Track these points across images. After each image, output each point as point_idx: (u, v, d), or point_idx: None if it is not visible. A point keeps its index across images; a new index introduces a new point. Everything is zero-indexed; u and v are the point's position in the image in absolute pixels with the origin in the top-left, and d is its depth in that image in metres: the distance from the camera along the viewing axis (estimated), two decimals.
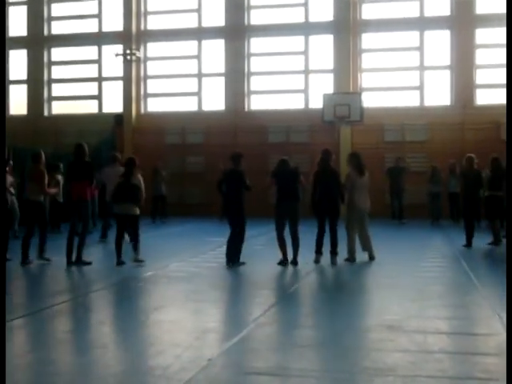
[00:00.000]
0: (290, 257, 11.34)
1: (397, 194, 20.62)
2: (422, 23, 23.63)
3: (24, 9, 26.54)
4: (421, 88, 23.71)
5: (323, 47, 24.28)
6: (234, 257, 11.29)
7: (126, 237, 12.03)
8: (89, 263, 11.32)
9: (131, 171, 11.51)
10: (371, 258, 11.83)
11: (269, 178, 11.72)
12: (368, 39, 24.13)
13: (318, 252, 11.54)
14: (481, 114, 22.17)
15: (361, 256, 11.81)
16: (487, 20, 22.68)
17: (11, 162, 12.26)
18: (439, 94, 23.60)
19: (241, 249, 11.38)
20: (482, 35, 23.08)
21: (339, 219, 11.66)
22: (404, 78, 23.93)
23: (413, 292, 8.98)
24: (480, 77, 23.19)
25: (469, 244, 13.64)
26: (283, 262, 11.28)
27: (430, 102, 23.59)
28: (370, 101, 23.44)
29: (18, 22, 26.59)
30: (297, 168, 11.82)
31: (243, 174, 11.43)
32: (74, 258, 11.30)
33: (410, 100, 23.77)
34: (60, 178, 15.79)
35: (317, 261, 11.46)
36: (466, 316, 7.43)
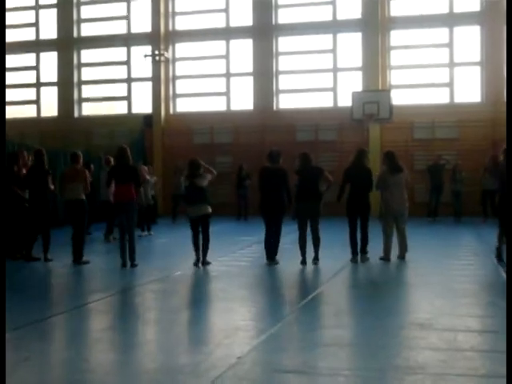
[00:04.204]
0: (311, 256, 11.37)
1: (436, 191, 20.65)
2: (452, 19, 23.44)
3: (54, 12, 26.84)
4: (451, 85, 23.52)
5: (351, 45, 24.20)
6: (272, 254, 11.32)
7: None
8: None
9: (195, 173, 11.53)
10: (401, 257, 11.73)
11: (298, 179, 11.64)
12: (396, 36, 24.01)
13: (355, 252, 11.53)
14: None
15: (393, 255, 11.75)
16: None
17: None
18: (469, 90, 23.37)
19: (277, 248, 11.39)
20: None
21: (370, 218, 11.66)
22: (433, 75, 23.75)
23: (444, 290, 8.92)
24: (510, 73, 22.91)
25: None
26: (303, 262, 11.28)
27: (460, 99, 23.37)
28: (399, 98, 23.33)
29: (48, 25, 26.91)
30: (319, 167, 11.78)
31: (287, 173, 11.39)
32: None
33: (439, 97, 23.59)
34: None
35: (354, 261, 11.46)
36: (497, 314, 7.34)
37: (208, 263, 11.28)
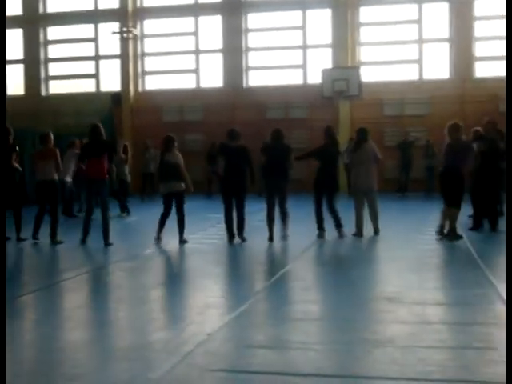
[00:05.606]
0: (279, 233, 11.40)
1: (405, 167, 20.93)
2: None
3: None
4: (420, 61, 23.62)
5: (321, 21, 24.14)
6: (239, 231, 11.26)
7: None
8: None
9: (167, 149, 11.41)
10: (376, 232, 11.83)
11: (264, 158, 11.59)
12: (366, 13, 23.98)
13: (321, 228, 11.57)
14: (480, 87, 22.09)
15: (367, 231, 11.83)
16: None
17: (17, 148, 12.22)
18: (438, 67, 23.50)
19: (243, 225, 11.32)
20: (480, 7, 22.93)
21: (337, 194, 11.75)
22: (403, 52, 23.82)
23: (412, 264, 9.01)
24: (479, 49, 23.08)
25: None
26: (270, 239, 11.26)
27: (429, 75, 23.50)
28: (368, 75, 23.36)
29: (12, 1, 26.39)
30: (288, 145, 11.73)
31: (248, 150, 11.29)
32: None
33: (409, 74, 23.68)
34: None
35: (321, 236, 11.50)
36: (465, 287, 7.46)
37: (185, 242, 11.18)
